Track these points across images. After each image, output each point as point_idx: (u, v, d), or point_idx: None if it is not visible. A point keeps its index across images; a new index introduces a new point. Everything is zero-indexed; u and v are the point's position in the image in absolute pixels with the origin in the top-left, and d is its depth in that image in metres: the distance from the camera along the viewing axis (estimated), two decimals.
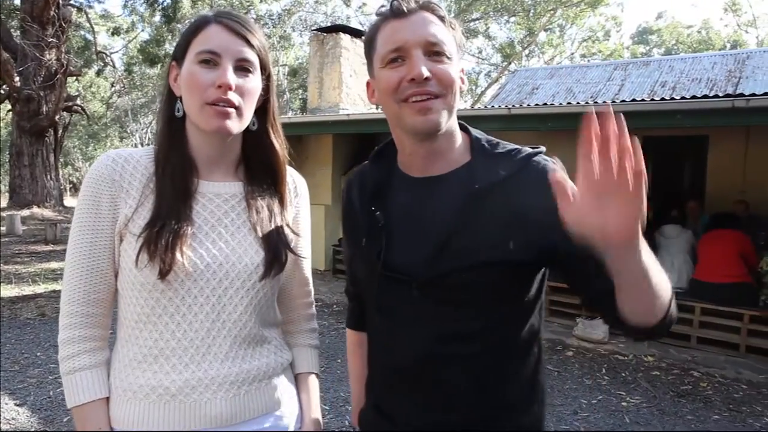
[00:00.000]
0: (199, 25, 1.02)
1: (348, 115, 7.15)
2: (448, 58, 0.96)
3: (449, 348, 0.98)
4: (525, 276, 0.98)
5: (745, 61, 10.73)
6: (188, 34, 1.03)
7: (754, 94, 4.31)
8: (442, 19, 0.97)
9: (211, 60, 0.99)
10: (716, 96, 5.16)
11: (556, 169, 0.97)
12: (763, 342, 4.71)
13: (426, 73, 0.91)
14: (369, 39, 1.02)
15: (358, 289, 1.21)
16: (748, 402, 3.88)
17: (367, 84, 1.07)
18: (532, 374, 1.06)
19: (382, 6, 1.00)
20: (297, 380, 1.21)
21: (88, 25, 17.72)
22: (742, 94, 4.34)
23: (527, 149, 1.01)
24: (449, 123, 0.99)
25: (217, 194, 1.08)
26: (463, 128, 1.07)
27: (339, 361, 4.44)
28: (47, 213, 14.84)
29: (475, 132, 1.06)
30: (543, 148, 1.03)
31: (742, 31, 28.22)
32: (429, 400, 1.02)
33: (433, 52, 0.94)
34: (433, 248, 0.96)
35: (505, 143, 1.04)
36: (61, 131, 17.30)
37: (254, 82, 1.04)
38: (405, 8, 0.95)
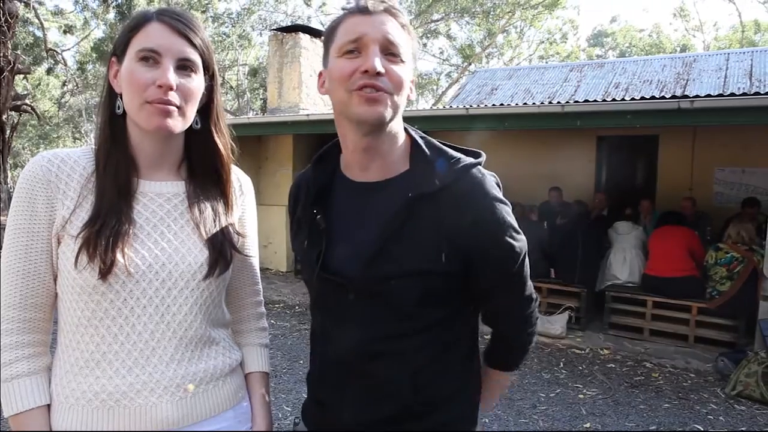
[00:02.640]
0: (139, 22, 1.00)
1: (308, 115, 7.11)
2: (402, 61, 0.98)
3: (383, 345, 1.02)
4: (457, 283, 1.01)
5: (692, 64, 11.18)
6: (128, 31, 1.00)
7: (698, 96, 4.50)
8: (403, 26, 1.00)
9: (151, 58, 0.97)
10: (663, 97, 5.36)
11: (491, 183, 1.01)
12: (710, 332, 4.93)
13: (380, 67, 0.93)
14: (330, 30, 1.02)
15: None
16: (696, 390, 4.05)
17: (319, 74, 1.07)
18: (467, 369, 1.11)
19: (349, 2, 1.02)
20: (247, 380, 1.20)
21: (37, 21, 17.05)
22: (687, 96, 4.53)
23: (467, 159, 1.02)
24: (393, 123, 1.01)
25: (159, 194, 1.06)
26: (407, 131, 1.08)
27: (301, 362, 4.42)
28: None
29: (418, 136, 1.06)
30: (482, 158, 1.05)
31: (690, 36, 29.37)
32: (364, 392, 1.04)
33: (390, 51, 0.96)
34: (368, 255, 0.98)
35: (446, 149, 1.04)
36: (9, 131, 16.59)
37: (196, 82, 1.02)
38: (370, 7, 0.97)
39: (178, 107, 0.99)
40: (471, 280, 1.02)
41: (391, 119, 0.99)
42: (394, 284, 0.98)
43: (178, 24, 1.00)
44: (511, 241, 1.00)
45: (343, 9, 1.03)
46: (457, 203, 0.97)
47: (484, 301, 1.11)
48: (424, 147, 1.04)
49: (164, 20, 0.99)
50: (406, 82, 0.99)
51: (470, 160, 1.02)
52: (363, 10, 0.98)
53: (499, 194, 1.01)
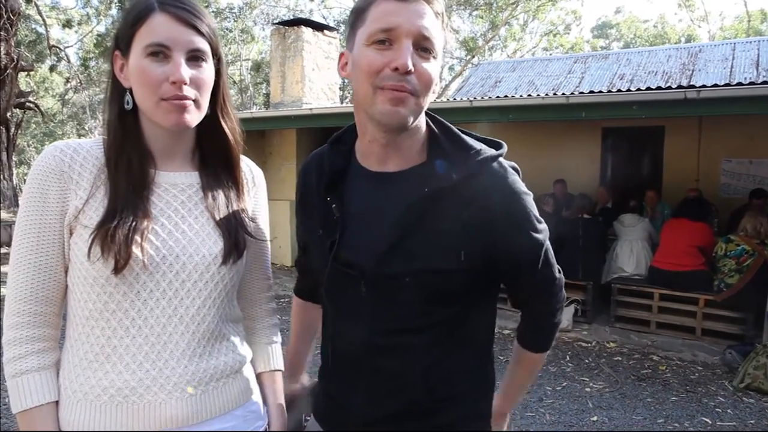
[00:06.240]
0: (142, 14, 0.95)
1: (311, 109, 7.09)
2: (434, 57, 0.93)
3: (395, 339, 0.99)
4: (474, 280, 0.98)
5: (697, 55, 11.07)
6: (131, 24, 0.96)
7: (704, 86, 4.45)
8: (438, 15, 0.94)
9: (160, 53, 0.94)
10: (669, 87, 5.31)
11: (513, 175, 0.98)
12: (717, 325, 4.90)
13: (410, 66, 0.89)
14: (359, 10, 0.95)
15: (309, 267, 1.20)
16: (703, 383, 4.03)
17: (341, 54, 1.02)
18: (481, 367, 1.08)
19: None
20: (260, 378, 1.18)
21: (39, 17, 17.04)
22: (693, 86, 4.48)
23: (487, 152, 0.98)
24: (416, 121, 0.97)
25: (173, 184, 1.04)
26: (427, 122, 1.04)
27: None
28: (1, 214, 14.26)
29: (437, 126, 1.03)
30: (504, 149, 1.01)
31: (695, 26, 29.12)
32: (374, 387, 1.02)
33: (422, 46, 0.91)
34: (383, 248, 0.96)
35: (466, 140, 1.00)
36: (13, 129, 16.65)
37: (208, 71, 1.00)
38: None
39: (193, 100, 0.97)
40: (496, 272, 1.01)
41: (414, 120, 0.95)
42: (409, 281, 0.95)
43: (184, 13, 0.96)
44: (535, 233, 0.99)
45: None
46: (479, 198, 0.94)
47: (511, 288, 1.09)
48: (442, 138, 1.00)
49: (168, 10, 0.95)
50: (435, 81, 0.94)
51: (491, 151, 0.98)
52: None
53: (521, 186, 0.99)
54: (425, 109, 0.97)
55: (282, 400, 1.19)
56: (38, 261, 0.96)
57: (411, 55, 0.89)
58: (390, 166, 1.01)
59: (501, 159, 0.99)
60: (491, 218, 0.94)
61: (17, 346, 0.96)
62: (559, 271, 1.09)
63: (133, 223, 0.95)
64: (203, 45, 0.98)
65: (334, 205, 1.01)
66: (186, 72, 0.95)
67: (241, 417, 1.10)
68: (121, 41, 0.99)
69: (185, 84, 0.95)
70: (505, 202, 0.96)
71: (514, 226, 0.97)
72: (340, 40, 8.90)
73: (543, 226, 1.01)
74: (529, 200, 0.99)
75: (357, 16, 0.96)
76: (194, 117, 0.99)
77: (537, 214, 1.00)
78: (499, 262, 0.99)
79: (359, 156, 1.05)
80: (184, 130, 1.01)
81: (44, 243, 0.96)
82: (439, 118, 1.05)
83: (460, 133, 1.02)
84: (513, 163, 1.02)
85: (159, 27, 0.95)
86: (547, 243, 1.03)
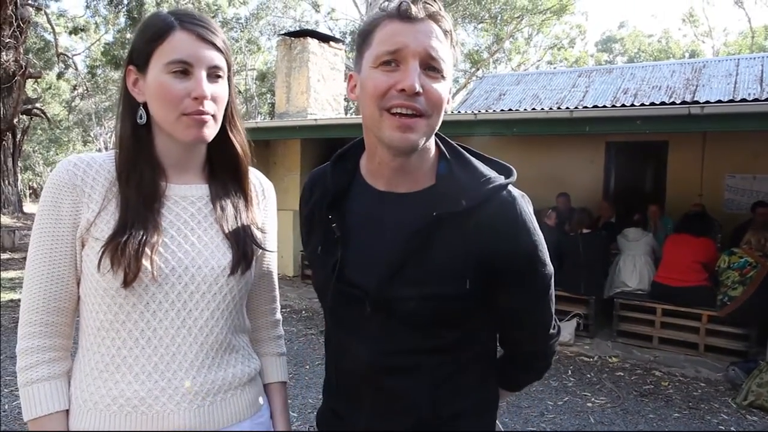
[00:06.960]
0: (162, 32, 0.98)
1: (316, 120, 7.12)
2: (443, 77, 0.91)
3: (401, 359, 0.99)
4: (479, 305, 0.98)
5: (701, 70, 11.10)
6: (151, 40, 0.98)
7: (708, 102, 4.46)
8: (447, 33, 0.92)
9: (183, 70, 0.97)
10: (673, 103, 5.32)
11: (522, 207, 0.95)
12: (720, 341, 4.87)
13: (418, 87, 0.86)
14: (365, 32, 0.94)
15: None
16: (707, 399, 4.00)
17: (350, 77, 1.00)
18: (485, 384, 1.08)
19: (387, 2, 0.92)
20: (267, 390, 1.19)
21: (47, 25, 17.23)
22: (697, 102, 4.50)
23: (497, 180, 0.95)
24: (427, 141, 0.95)
25: (184, 197, 1.06)
26: (436, 142, 1.02)
27: (307, 367, 4.41)
28: (5, 220, 14.32)
29: (447, 147, 1.01)
30: (513, 176, 0.98)
31: (700, 42, 29.26)
32: (380, 405, 1.02)
33: (430, 66, 0.89)
34: (387, 272, 0.94)
35: (475, 165, 0.98)
36: (20, 135, 16.80)
37: (224, 86, 1.03)
38: (413, 13, 0.88)
39: (212, 115, 1.00)
40: (494, 303, 0.99)
41: (426, 141, 0.94)
42: (413, 305, 0.94)
43: (203, 30, 0.98)
44: (541, 270, 0.97)
45: (381, 10, 0.93)
46: (486, 228, 0.91)
47: (505, 326, 1.08)
48: (452, 161, 0.98)
49: (188, 28, 0.98)
50: (445, 101, 0.92)
51: (500, 180, 0.95)
52: (404, 16, 0.89)
53: (530, 219, 0.95)
54: (436, 129, 0.95)
55: (287, 412, 1.20)
56: (50, 272, 0.98)
57: (419, 76, 0.87)
58: (398, 187, 0.99)
59: (510, 187, 0.96)
60: (497, 249, 0.92)
61: (29, 355, 0.98)
62: (556, 321, 1.09)
63: (143, 237, 0.96)
64: (221, 61, 1.01)
65: (334, 224, 1.00)
66: (208, 88, 0.97)
67: (249, 428, 1.10)
68: (137, 57, 1.00)
69: (207, 99, 0.98)
70: (511, 234, 0.93)
71: (519, 258, 0.94)
72: (346, 52, 8.97)
73: (549, 270, 0.99)
74: (537, 235, 0.96)
75: (363, 39, 0.95)
76: (212, 131, 1.02)
77: (544, 253, 0.97)
78: (502, 294, 0.98)
79: (365, 174, 1.04)
80: (202, 143, 1.03)
81: (57, 255, 0.98)
82: (448, 139, 1.03)
83: (469, 156, 1.00)
84: (523, 194, 0.99)
85: (181, 44, 0.97)
86: (551, 283, 1.01)
